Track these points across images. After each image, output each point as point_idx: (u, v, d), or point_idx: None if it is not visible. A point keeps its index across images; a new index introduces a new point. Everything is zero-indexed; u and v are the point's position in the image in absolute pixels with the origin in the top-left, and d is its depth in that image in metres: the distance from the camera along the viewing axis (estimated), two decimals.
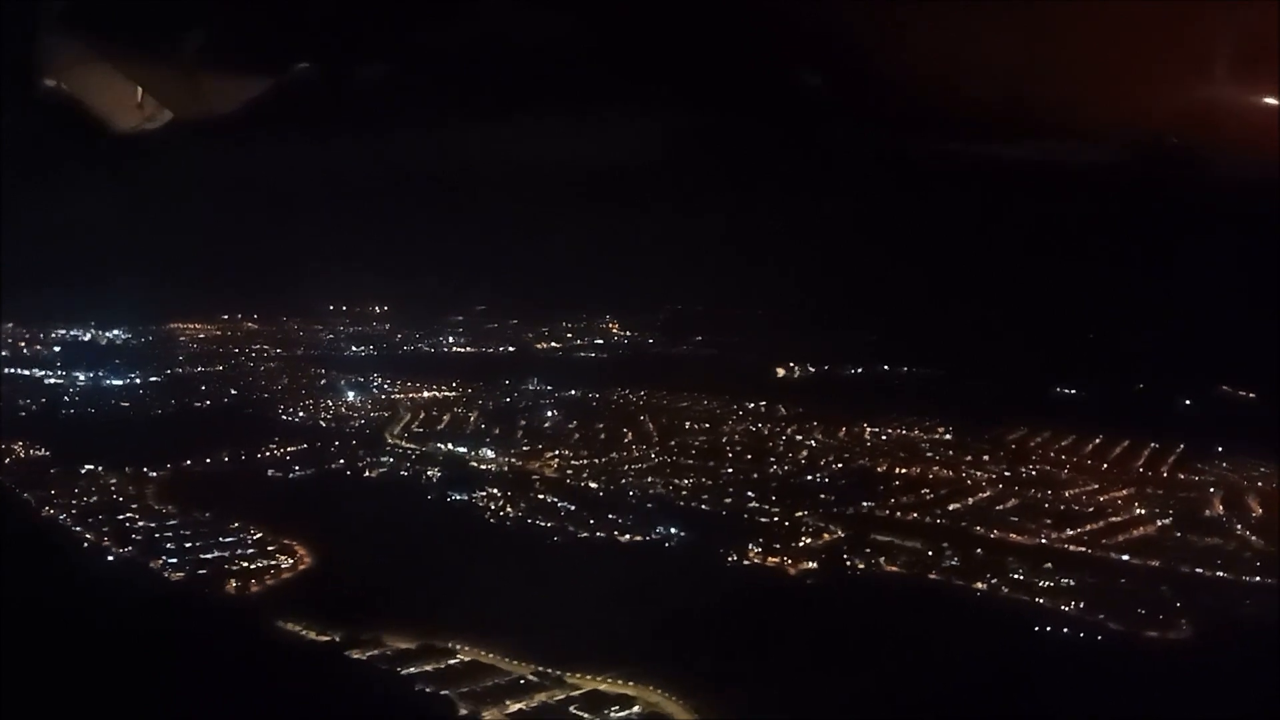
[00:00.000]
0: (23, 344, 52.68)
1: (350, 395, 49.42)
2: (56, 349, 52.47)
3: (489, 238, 63.01)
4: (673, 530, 33.26)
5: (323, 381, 52.32)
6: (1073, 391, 51.78)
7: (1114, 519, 35.62)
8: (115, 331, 56.52)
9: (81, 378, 48.47)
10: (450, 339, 63.88)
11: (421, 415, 47.26)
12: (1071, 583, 30.55)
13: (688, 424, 47.77)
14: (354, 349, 60.87)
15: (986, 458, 43.00)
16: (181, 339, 59.57)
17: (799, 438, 46.18)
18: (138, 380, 49.45)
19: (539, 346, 64.44)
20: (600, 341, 65.83)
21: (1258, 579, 30.78)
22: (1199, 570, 31.46)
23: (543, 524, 33.95)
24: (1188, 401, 48.12)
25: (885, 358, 60.24)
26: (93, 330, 55.78)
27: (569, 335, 65.73)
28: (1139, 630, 27.56)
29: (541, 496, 36.63)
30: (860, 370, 60.62)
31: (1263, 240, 33.06)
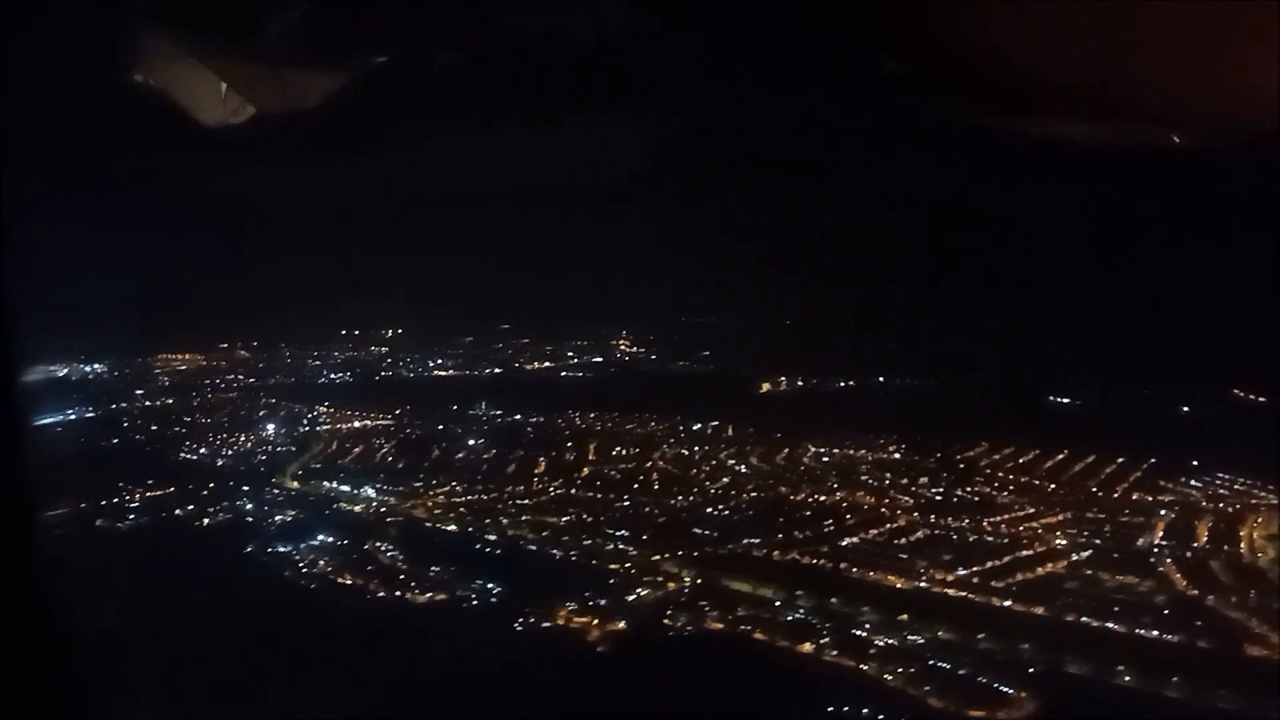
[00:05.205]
0: None
1: (270, 428, 46.02)
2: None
3: (512, 255, 59.71)
4: (489, 585, 28.82)
5: (261, 413, 49.25)
6: (1066, 401, 45.42)
7: (1024, 553, 30.25)
8: (96, 365, 54.71)
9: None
10: (439, 361, 60.47)
11: (333, 448, 44.30)
12: (919, 640, 25.34)
13: (617, 450, 43.45)
14: (331, 376, 58.09)
15: (925, 480, 37.86)
16: (157, 370, 57.54)
17: (730, 463, 41.66)
18: (71, 417, 47.10)
19: (529, 367, 60.83)
20: (599, 359, 61.93)
21: (1153, 634, 24.90)
22: (1086, 620, 25.73)
23: (345, 581, 30.12)
24: (1185, 409, 41.58)
25: (883, 368, 54.89)
26: (75, 364, 53.97)
27: (569, 354, 61.90)
28: (960, 711, 22.04)
29: (378, 544, 32.84)
30: (852, 383, 55.29)
31: None
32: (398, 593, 29.59)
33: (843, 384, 55.48)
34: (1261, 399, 40.80)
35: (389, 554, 32.49)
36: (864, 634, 26.01)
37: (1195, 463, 35.16)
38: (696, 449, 44.86)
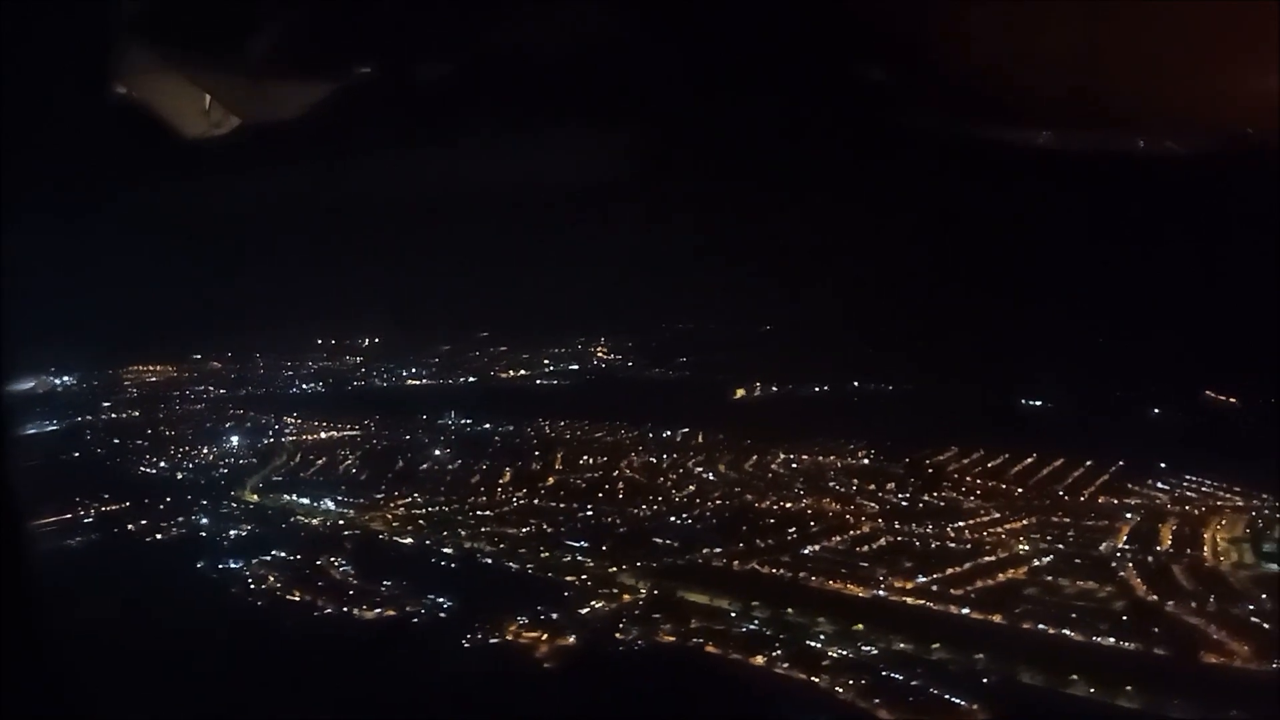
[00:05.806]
0: None
1: (235, 440, 45.34)
2: None
3: (491, 262, 58.64)
4: (440, 600, 28.24)
5: (228, 425, 48.57)
6: (1038, 403, 44.87)
7: (985, 559, 29.78)
8: (64, 378, 53.91)
9: None
10: (413, 371, 59.67)
11: (296, 460, 43.53)
12: (873, 652, 24.82)
13: (584, 459, 43.00)
14: (303, 387, 57.26)
15: (892, 485, 37.43)
16: (127, 382, 56.74)
17: (698, 470, 41.02)
18: (32, 432, 46.22)
19: (504, 376, 59.97)
20: (575, 367, 60.99)
21: (1109, 641, 24.39)
22: (1043, 628, 25.20)
23: (293, 597, 29.38)
24: (1156, 410, 41.06)
25: (858, 373, 54.19)
26: (43, 376, 53.08)
27: (545, 362, 61.08)
28: None
29: (331, 559, 32.27)
30: (826, 388, 54.57)
31: None
32: (345, 609, 28.91)
33: (817, 389, 54.73)
34: (1233, 400, 40.28)
35: (341, 569, 31.79)
36: (818, 645, 25.39)
37: (1164, 465, 34.67)
38: (665, 457, 44.22)
